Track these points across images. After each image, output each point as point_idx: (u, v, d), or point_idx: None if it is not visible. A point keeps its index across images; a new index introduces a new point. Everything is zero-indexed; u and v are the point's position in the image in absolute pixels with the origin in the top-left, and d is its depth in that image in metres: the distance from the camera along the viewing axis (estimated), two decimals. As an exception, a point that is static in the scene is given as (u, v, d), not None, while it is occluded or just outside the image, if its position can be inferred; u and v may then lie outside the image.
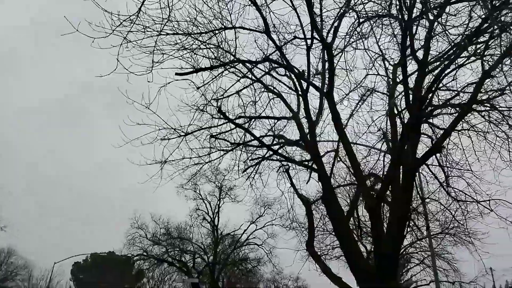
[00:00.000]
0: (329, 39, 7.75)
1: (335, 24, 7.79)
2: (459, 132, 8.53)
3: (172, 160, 8.71)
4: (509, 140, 7.40)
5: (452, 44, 7.36)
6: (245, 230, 32.46)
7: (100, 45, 6.21)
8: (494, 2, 6.13)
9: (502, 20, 6.25)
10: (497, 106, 7.58)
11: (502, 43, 6.15)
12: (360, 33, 7.73)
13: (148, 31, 7.06)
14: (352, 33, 7.69)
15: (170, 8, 6.79)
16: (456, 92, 8.28)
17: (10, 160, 79.29)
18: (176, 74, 7.64)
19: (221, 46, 8.11)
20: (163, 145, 8.47)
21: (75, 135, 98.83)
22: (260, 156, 9.61)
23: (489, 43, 7.12)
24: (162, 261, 31.74)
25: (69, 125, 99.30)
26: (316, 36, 7.68)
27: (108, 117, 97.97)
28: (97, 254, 50.35)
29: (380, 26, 7.74)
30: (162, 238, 31.94)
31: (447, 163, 9.26)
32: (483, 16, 6.40)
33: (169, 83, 7.73)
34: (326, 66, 8.08)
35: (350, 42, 8.08)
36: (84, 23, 5.90)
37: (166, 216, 36.03)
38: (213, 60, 8.26)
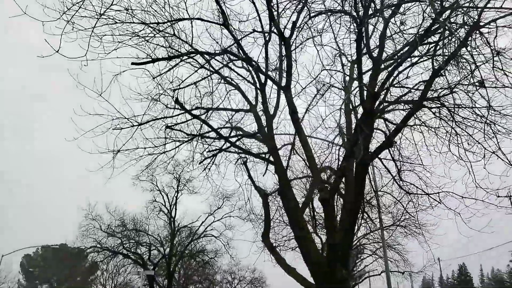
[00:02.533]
0: (287, 33, 7.76)
1: (293, 18, 7.80)
2: (412, 128, 8.88)
3: (126, 150, 8.45)
4: (458, 135, 7.78)
5: (405, 43, 7.61)
6: (202, 222, 32.27)
7: (51, 30, 5.83)
8: (444, 3, 6.38)
9: (451, 21, 6.52)
10: (446, 103, 7.95)
11: (450, 43, 6.42)
12: (314, 28, 7.79)
13: (102, 18, 6.73)
14: (303, 26, 7.72)
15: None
16: (408, 90, 8.60)
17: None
18: (132, 63, 7.36)
19: (178, 36, 7.90)
20: (114, 134, 8.19)
21: (26, 119, 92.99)
22: (218, 148, 9.52)
23: (439, 43, 7.43)
24: (116, 253, 30.80)
25: (17, 109, 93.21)
26: (274, 30, 7.65)
27: (61, 103, 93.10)
28: (48, 246, 48.18)
29: (339, 21, 7.84)
30: (117, 230, 30.99)
31: (400, 157, 9.64)
32: (433, 17, 6.65)
33: (123, 71, 7.46)
34: (284, 60, 8.10)
35: (309, 37, 8.13)
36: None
37: (121, 208, 35.01)
38: (169, 49, 8.04)
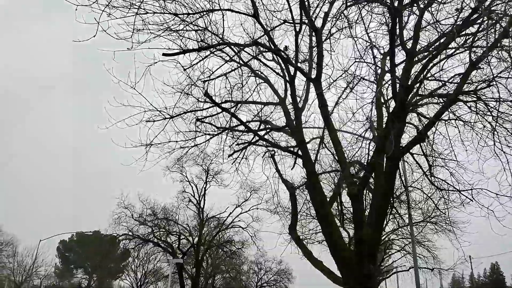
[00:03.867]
0: (319, 24, 7.65)
1: (325, 9, 7.68)
2: (446, 122, 8.60)
3: (158, 143, 8.60)
4: (495, 130, 7.48)
5: (441, 34, 7.33)
6: (230, 213, 32.69)
7: (84, 19, 5.97)
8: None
9: (492, 11, 6.22)
10: (483, 97, 7.63)
11: (490, 34, 6.14)
12: (347, 18, 7.62)
13: (134, 7, 6.84)
14: (338, 16, 7.57)
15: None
16: (443, 83, 8.31)
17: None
18: (163, 54, 7.43)
19: (208, 29, 7.94)
20: (148, 126, 8.36)
21: (63, 111, 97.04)
22: (246, 141, 9.58)
23: (478, 34, 7.12)
24: (147, 241, 31.77)
25: (52, 101, 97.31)
26: (306, 21, 7.56)
27: (93, 95, 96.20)
28: (83, 232, 50.34)
29: (370, 13, 7.65)
30: (148, 219, 31.93)
31: (432, 153, 9.37)
32: (473, 6, 6.37)
33: (155, 62, 7.54)
34: (314, 52, 8.00)
35: (341, 28, 7.98)
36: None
37: (153, 197, 35.94)
38: (200, 43, 8.09)
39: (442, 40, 7.59)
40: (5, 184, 67.62)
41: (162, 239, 32.75)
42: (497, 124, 7.35)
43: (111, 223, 30.94)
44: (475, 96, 7.69)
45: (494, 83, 6.77)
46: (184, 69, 8.20)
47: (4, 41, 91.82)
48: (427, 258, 23.26)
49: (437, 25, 7.27)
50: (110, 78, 7.28)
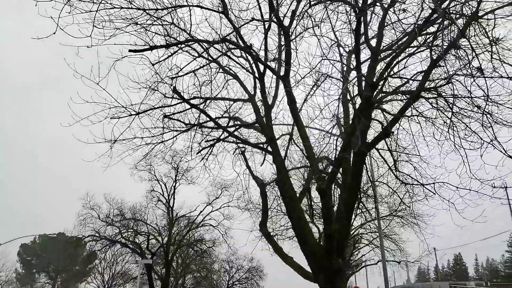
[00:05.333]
0: (287, 22, 7.71)
1: (292, 7, 7.75)
2: (409, 118, 8.91)
3: (123, 140, 8.43)
4: (455, 125, 7.82)
5: (404, 33, 7.59)
6: (201, 212, 32.44)
7: (46, 12, 5.73)
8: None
9: (449, 12, 6.50)
10: (443, 94, 7.96)
11: (448, 34, 6.41)
12: (313, 17, 7.75)
13: (98, 1, 6.64)
14: (303, 14, 7.68)
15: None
16: (406, 80, 8.60)
17: None
18: (130, 50, 7.28)
19: (176, 24, 7.82)
20: (112, 123, 8.16)
21: (19, 109, 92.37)
22: (216, 137, 9.53)
23: (437, 33, 7.41)
24: (114, 242, 30.97)
25: (10, 98, 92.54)
26: (274, 19, 7.61)
27: (55, 91, 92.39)
28: (46, 235, 48.28)
29: (336, 12, 7.80)
30: (116, 219, 31.11)
31: (397, 148, 9.69)
32: (432, 7, 6.62)
33: (123, 57, 7.37)
34: (283, 50, 8.07)
35: (307, 27, 8.09)
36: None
37: (120, 197, 35.06)
38: (167, 38, 7.97)
39: (404, 39, 7.85)
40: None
41: (130, 239, 32.04)
42: (456, 119, 7.71)
43: (77, 225, 29.99)
44: (436, 93, 8.01)
45: (453, 80, 7.09)
46: (152, 65, 8.04)
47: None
48: (394, 251, 24.18)
49: (399, 24, 7.52)
50: (73, 74, 7.03)
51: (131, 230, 31.70)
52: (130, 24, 7.37)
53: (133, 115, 8.28)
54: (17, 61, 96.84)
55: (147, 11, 7.35)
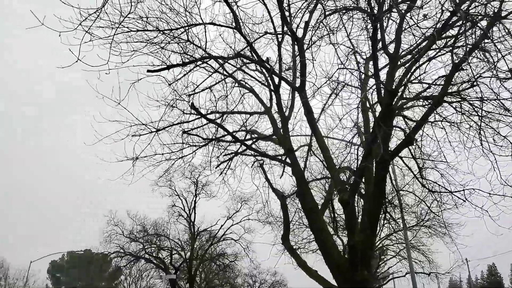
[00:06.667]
0: (300, 33, 7.67)
1: (305, 18, 7.71)
2: (432, 124, 8.63)
3: (144, 157, 8.55)
4: (481, 130, 7.51)
5: (423, 37, 7.40)
6: (222, 226, 32.33)
7: (68, 41, 5.95)
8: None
9: (470, 13, 6.30)
10: (468, 98, 7.68)
11: (470, 36, 6.20)
12: (328, 27, 7.67)
13: (116, 27, 6.83)
14: (318, 26, 7.61)
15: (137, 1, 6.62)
16: (428, 85, 8.37)
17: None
18: (148, 71, 7.47)
19: (191, 41, 7.95)
20: (134, 141, 8.30)
21: (46, 131, 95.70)
22: (234, 151, 9.50)
23: (458, 36, 7.19)
24: (139, 258, 31.23)
25: (37, 120, 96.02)
26: (287, 31, 7.58)
27: (78, 114, 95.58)
28: (74, 252, 49.26)
29: (351, 20, 7.71)
30: (139, 235, 31.43)
31: (421, 155, 9.38)
32: (451, 9, 6.44)
33: (140, 79, 7.60)
34: (298, 61, 8.01)
35: (322, 36, 8.01)
36: (47, 17, 5.62)
37: (142, 213, 35.46)
38: (183, 55, 8.10)
39: (424, 43, 7.66)
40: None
41: (154, 255, 32.22)
42: (483, 123, 7.39)
43: (102, 241, 30.43)
44: (459, 97, 7.74)
45: (477, 83, 6.82)
46: (169, 84, 8.20)
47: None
48: (423, 263, 23.27)
49: (417, 29, 7.35)
50: (95, 95, 7.23)
51: (155, 246, 31.92)
52: (147, 45, 7.56)
53: (153, 132, 8.40)
54: (46, 84, 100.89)
55: (162, 31, 7.53)
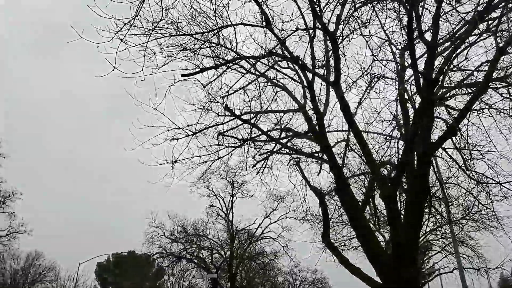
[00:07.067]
0: (332, 28, 7.54)
1: (337, 11, 7.58)
2: (478, 112, 8.23)
3: (183, 159, 8.76)
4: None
5: (462, 22, 7.06)
6: (259, 225, 32.54)
7: (106, 50, 6.22)
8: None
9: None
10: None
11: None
12: (359, 19, 7.47)
13: (148, 34, 7.05)
14: (349, 19, 7.44)
15: (168, 8, 6.78)
16: (470, 72, 7.98)
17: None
18: (182, 75, 7.67)
19: (222, 44, 8.04)
20: (172, 144, 8.52)
21: (88, 139, 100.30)
22: (269, 150, 9.51)
23: (501, 18, 6.80)
24: (180, 258, 32.07)
25: (81, 129, 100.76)
26: (319, 26, 7.48)
27: (114, 121, 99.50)
28: (118, 254, 51.30)
29: (384, 10, 7.48)
30: (180, 236, 32.27)
31: (467, 145, 8.97)
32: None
33: (175, 83, 7.83)
34: (331, 55, 7.88)
35: (354, 29, 7.83)
36: (83, 29, 5.89)
37: (182, 214, 36.33)
38: (215, 58, 8.21)
39: (463, 29, 7.30)
40: (41, 211, 70.02)
41: (195, 255, 32.94)
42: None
43: (144, 243, 31.47)
44: (506, 82, 7.33)
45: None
46: (204, 87, 8.35)
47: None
48: (471, 258, 22.16)
49: (455, 14, 7.02)
50: (133, 103, 7.50)
51: (195, 246, 32.64)
52: (180, 50, 7.72)
53: (190, 135, 8.59)
54: (88, 93, 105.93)
55: (194, 35, 7.66)
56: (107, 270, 60.27)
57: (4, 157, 27.84)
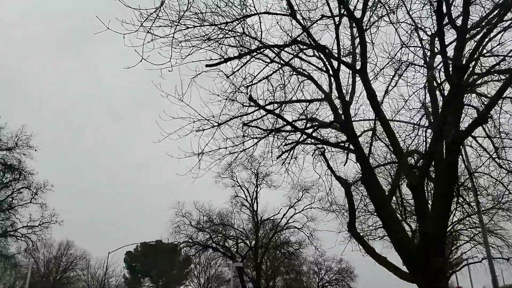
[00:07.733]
0: (358, 14, 7.41)
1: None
2: (511, 99, 7.94)
3: (209, 151, 8.82)
4: None
5: (494, 5, 6.80)
6: (284, 215, 32.70)
7: (131, 42, 6.35)
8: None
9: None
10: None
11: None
12: (387, 5, 7.30)
13: (174, 25, 7.13)
14: (376, 5, 7.27)
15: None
16: (502, 57, 7.69)
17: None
18: (207, 65, 7.68)
19: (246, 33, 8.02)
20: (198, 136, 8.61)
21: (114, 134, 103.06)
22: (294, 140, 9.50)
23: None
24: (207, 247, 32.75)
25: (107, 124, 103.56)
26: (344, 13, 7.37)
27: (141, 114, 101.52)
28: (146, 243, 52.85)
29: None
30: (206, 225, 32.90)
31: (498, 133, 8.70)
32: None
33: (199, 74, 7.85)
34: (357, 43, 7.77)
35: (382, 15, 7.67)
36: (106, 21, 6.01)
37: (207, 204, 37.03)
38: (240, 48, 8.20)
39: (495, 12, 7.03)
40: (74, 202, 72.75)
41: (221, 244, 33.54)
42: None
43: (171, 232, 32.28)
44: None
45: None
46: (227, 77, 8.37)
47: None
48: (501, 248, 21.61)
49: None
50: (159, 94, 7.63)
51: (221, 235, 33.21)
52: (205, 40, 7.74)
53: (215, 126, 8.64)
54: (114, 86, 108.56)
55: (218, 25, 7.66)
56: (136, 258, 62.18)
57: (36, 150, 28.87)
